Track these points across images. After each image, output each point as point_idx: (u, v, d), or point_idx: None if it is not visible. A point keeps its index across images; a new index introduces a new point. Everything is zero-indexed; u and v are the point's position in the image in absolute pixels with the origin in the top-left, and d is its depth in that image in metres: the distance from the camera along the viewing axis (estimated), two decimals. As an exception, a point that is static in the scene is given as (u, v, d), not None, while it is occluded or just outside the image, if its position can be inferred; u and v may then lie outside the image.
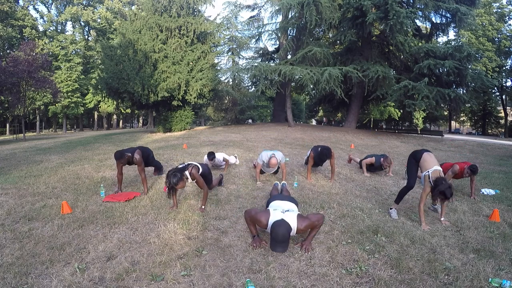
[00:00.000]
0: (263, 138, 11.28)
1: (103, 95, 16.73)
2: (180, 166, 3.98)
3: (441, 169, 3.65)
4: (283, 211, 2.90)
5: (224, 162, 6.09)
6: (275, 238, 2.64)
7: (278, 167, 5.27)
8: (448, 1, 14.97)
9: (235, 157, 6.75)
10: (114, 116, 44.96)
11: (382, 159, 6.06)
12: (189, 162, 4.13)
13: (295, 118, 28.17)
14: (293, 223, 2.76)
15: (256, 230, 2.96)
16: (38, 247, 2.81)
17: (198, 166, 4.06)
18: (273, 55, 20.56)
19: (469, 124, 46.12)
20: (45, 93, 22.79)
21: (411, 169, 3.97)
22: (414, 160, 3.93)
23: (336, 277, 2.37)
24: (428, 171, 3.57)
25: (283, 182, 4.56)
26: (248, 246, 2.85)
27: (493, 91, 34.57)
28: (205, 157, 5.90)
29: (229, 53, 21.59)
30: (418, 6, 15.09)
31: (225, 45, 21.08)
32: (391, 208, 3.93)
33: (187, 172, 3.82)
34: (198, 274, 2.39)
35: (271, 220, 2.79)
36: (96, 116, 42.52)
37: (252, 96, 22.61)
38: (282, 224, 2.69)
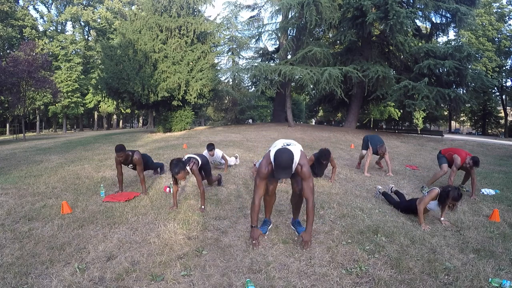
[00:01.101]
0: (263, 138, 11.28)
1: (103, 95, 16.73)
2: (184, 159, 3.98)
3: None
4: (284, 144, 2.87)
5: (223, 161, 6.09)
6: (278, 164, 2.62)
7: None
8: (448, 1, 14.97)
9: (236, 158, 6.73)
10: (114, 116, 44.97)
11: (378, 146, 6.14)
12: (189, 156, 4.13)
13: (295, 118, 28.17)
14: (296, 155, 2.74)
15: (257, 219, 2.89)
16: (38, 247, 2.81)
17: (198, 161, 4.07)
18: (273, 55, 20.56)
19: (469, 124, 46.12)
20: (45, 93, 22.79)
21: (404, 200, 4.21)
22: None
23: (336, 277, 2.37)
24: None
25: None
26: (248, 239, 2.85)
27: (493, 91, 34.58)
28: (205, 151, 5.92)
29: (229, 53, 21.59)
30: (418, 6, 15.09)
31: (225, 45, 21.08)
32: (380, 190, 4.54)
33: (188, 168, 3.83)
34: (198, 274, 2.39)
35: (273, 154, 2.78)
36: (96, 116, 42.52)
37: (252, 96, 22.61)
38: (284, 151, 2.69)
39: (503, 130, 37.53)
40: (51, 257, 2.61)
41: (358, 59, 16.10)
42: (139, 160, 4.48)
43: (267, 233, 3.20)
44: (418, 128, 40.25)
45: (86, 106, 36.85)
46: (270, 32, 19.75)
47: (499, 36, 31.94)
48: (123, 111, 40.60)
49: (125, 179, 5.38)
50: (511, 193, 5.03)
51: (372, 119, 36.99)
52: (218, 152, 6.02)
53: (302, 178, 2.83)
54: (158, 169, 5.49)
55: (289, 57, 16.93)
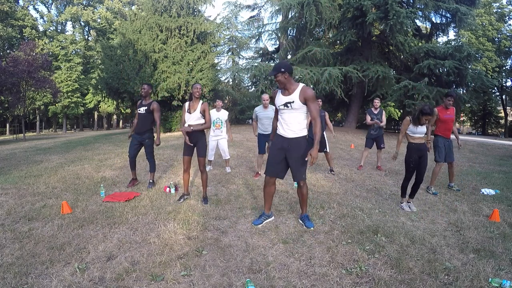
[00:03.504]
0: (263, 138, 11.26)
1: (103, 95, 16.74)
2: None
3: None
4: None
5: (224, 122, 5.95)
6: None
7: None
8: (448, 1, 14.98)
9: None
10: (114, 116, 45.01)
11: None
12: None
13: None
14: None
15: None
16: (38, 247, 2.81)
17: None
18: (273, 55, 20.57)
19: (469, 124, 46.11)
20: (45, 93, 22.82)
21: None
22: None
23: (336, 277, 2.37)
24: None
25: None
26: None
27: (493, 91, 34.55)
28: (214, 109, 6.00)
29: (229, 53, 21.60)
30: (418, 6, 15.10)
31: (225, 45, 21.09)
32: (401, 203, 4.19)
33: (201, 101, 4.06)
34: (198, 274, 2.39)
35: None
36: (96, 116, 42.54)
37: (252, 96, 22.60)
38: None
39: (503, 130, 37.53)
40: (51, 257, 2.61)
41: (358, 59, 16.11)
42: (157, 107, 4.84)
43: (261, 225, 3.31)
44: (418, 128, 40.10)
45: (86, 106, 36.86)
46: (270, 32, 19.77)
47: (499, 36, 31.92)
48: (123, 111, 40.59)
49: (125, 179, 5.39)
50: (511, 193, 5.03)
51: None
52: (224, 113, 5.95)
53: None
54: (150, 180, 5.19)
55: (289, 57, 16.95)
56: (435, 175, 5.12)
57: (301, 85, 3.05)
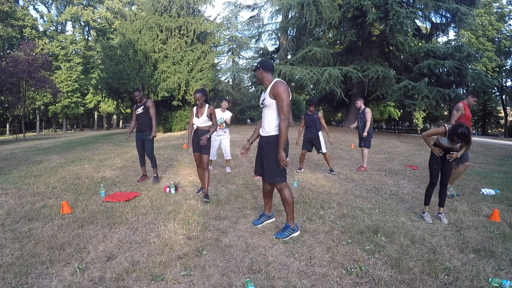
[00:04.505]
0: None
1: (103, 95, 16.75)
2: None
3: None
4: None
5: (226, 122, 6.02)
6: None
7: None
8: (448, 1, 14.97)
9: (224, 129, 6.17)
10: (114, 116, 44.99)
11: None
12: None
13: (295, 118, 28.16)
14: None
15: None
16: (38, 247, 2.81)
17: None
18: (273, 55, 20.54)
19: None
20: (45, 93, 22.80)
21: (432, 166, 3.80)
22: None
23: (336, 277, 2.37)
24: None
25: None
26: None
27: (493, 91, 34.56)
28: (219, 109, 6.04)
29: (229, 53, 21.60)
30: (418, 6, 15.10)
31: (225, 45, 21.10)
32: (424, 212, 3.77)
33: (207, 105, 4.27)
34: (198, 274, 2.39)
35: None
36: (96, 116, 42.53)
37: (252, 96, 22.63)
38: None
39: (503, 130, 37.55)
40: (51, 257, 2.61)
41: (358, 59, 16.12)
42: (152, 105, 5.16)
43: (261, 225, 3.31)
44: (418, 128, 40.27)
45: (86, 106, 36.84)
46: (270, 32, 19.73)
47: (499, 36, 31.92)
48: (123, 111, 40.53)
49: (125, 179, 5.40)
50: (511, 193, 5.03)
51: (372, 119, 37.00)
52: (228, 114, 6.03)
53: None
54: (155, 175, 5.34)
55: (289, 57, 16.94)
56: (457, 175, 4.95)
57: (274, 80, 2.87)
